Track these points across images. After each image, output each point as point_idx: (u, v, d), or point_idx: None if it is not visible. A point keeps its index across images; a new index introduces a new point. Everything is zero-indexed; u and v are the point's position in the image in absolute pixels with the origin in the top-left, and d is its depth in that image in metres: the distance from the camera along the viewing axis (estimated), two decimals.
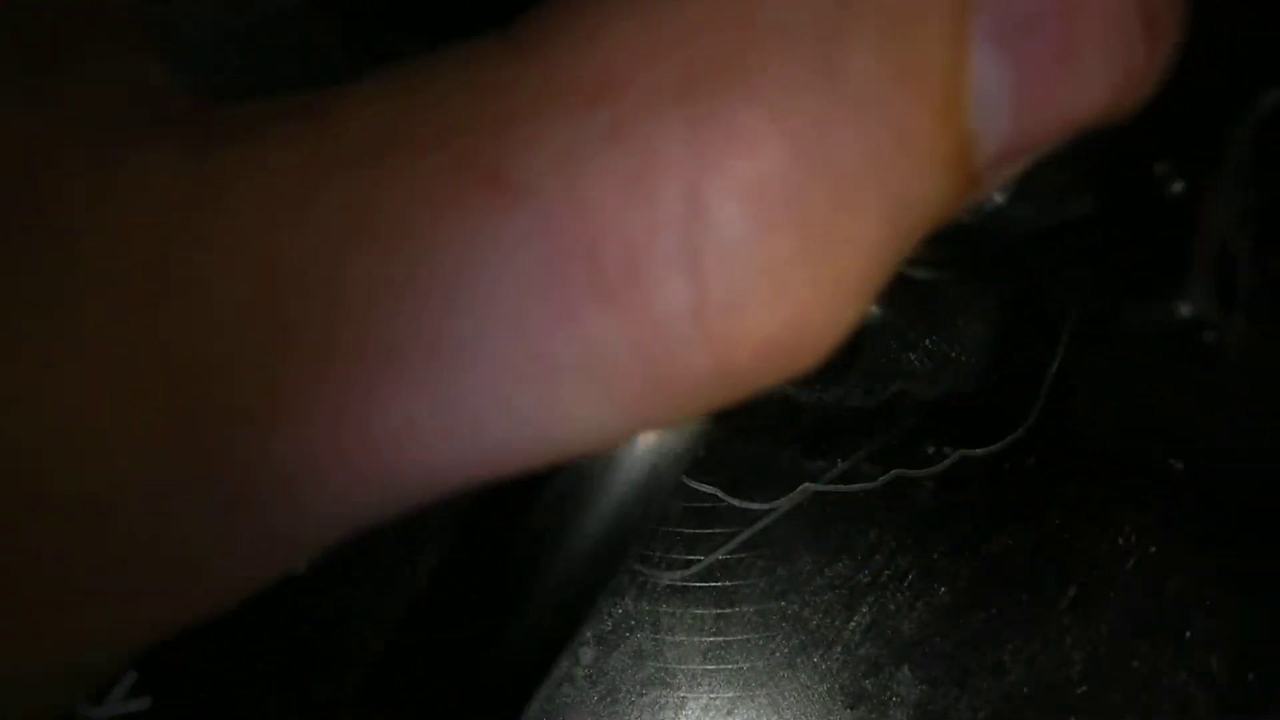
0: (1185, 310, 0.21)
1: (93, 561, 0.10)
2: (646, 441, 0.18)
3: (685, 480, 0.34)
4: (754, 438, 0.35)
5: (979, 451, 0.34)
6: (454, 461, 0.10)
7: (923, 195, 0.10)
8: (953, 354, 0.33)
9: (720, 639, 0.34)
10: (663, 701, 0.34)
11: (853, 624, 0.34)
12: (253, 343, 0.10)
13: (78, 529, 0.10)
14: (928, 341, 0.34)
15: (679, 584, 0.34)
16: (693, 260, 0.10)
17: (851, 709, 0.34)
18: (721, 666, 0.34)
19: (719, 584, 0.34)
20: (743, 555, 0.34)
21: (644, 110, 0.09)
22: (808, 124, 0.10)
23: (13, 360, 0.10)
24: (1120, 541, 0.34)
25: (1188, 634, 0.34)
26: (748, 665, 0.34)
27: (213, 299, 0.10)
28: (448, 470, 0.10)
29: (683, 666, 0.34)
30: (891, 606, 0.34)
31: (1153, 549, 0.34)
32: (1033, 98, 0.10)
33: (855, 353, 0.34)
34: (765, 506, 0.34)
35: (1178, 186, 0.21)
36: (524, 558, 0.17)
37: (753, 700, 0.34)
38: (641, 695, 0.34)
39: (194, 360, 0.10)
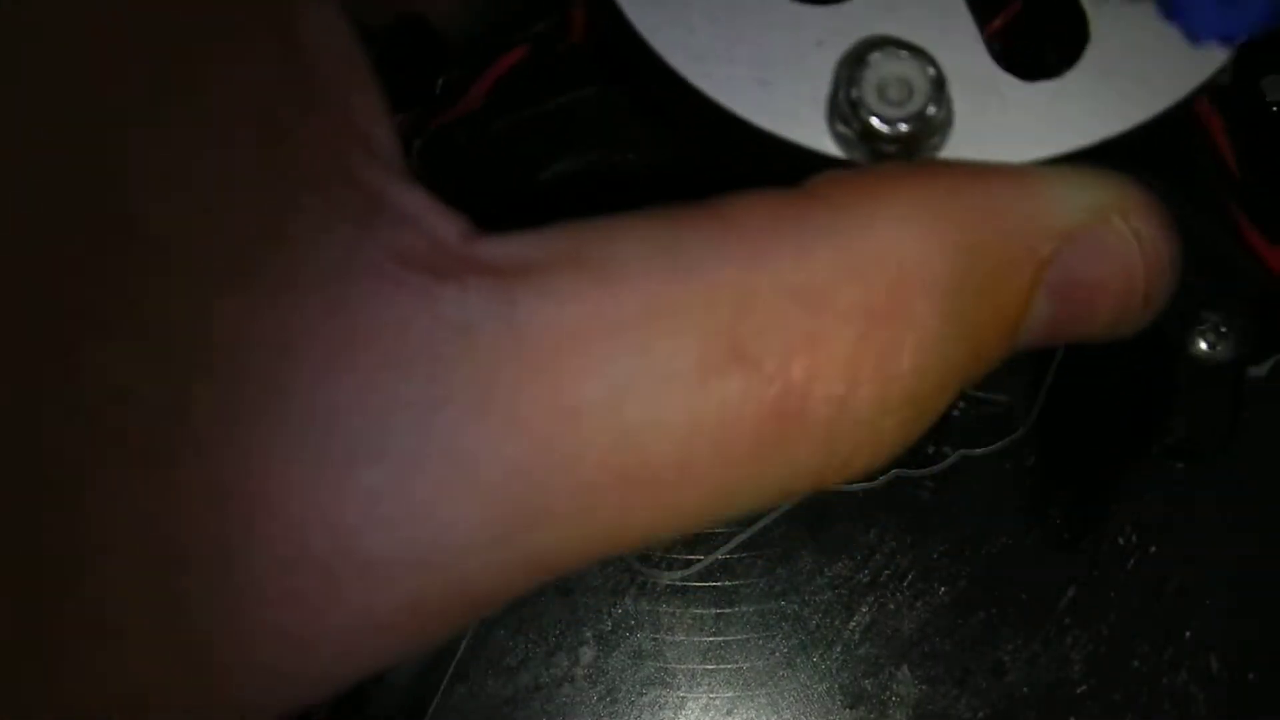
0: None
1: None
2: None
3: None
4: None
5: (979, 451, 0.34)
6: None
7: (972, 381, 0.15)
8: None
9: (720, 639, 0.34)
10: (662, 701, 0.34)
11: (853, 624, 0.34)
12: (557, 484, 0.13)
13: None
14: None
15: (679, 584, 0.34)
16: (839, 422, 0.14)
17: (851, 709, 0.34)
18: (721, 666, 0.34)
19: (719, 584, 0.34)
20: (743, 555, 0.34)
21: (839, 323, 0.14)
22: (934, 344, 0.14)
23: None
24: (1120, 541, 0.34)
25: (1188, 634, 0.34)
26: (747, 665, 0.34)
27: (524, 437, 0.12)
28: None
29: (682, 666, 0.34)
30: (891, 606, 0.34)
31: (1153, 549, 0.34)
32: (1059, 328, 0.16)
33: None
34: None
35: None
36: None
37: (752, 700, 0.34)
38: (641, 695, 0.34)
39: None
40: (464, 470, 0.12)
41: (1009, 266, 0.15)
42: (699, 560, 0.34)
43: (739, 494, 0.14)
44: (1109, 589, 0.34)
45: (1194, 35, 0.16)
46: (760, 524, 0.34)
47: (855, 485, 0.34)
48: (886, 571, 0.34)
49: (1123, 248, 0.16)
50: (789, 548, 0.34)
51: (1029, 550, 0.34)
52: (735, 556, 0.34)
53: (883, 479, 0.34)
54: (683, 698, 0.34)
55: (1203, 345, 0.23)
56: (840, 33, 0.18)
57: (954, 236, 0.14)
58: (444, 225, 0.13)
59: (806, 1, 0.18)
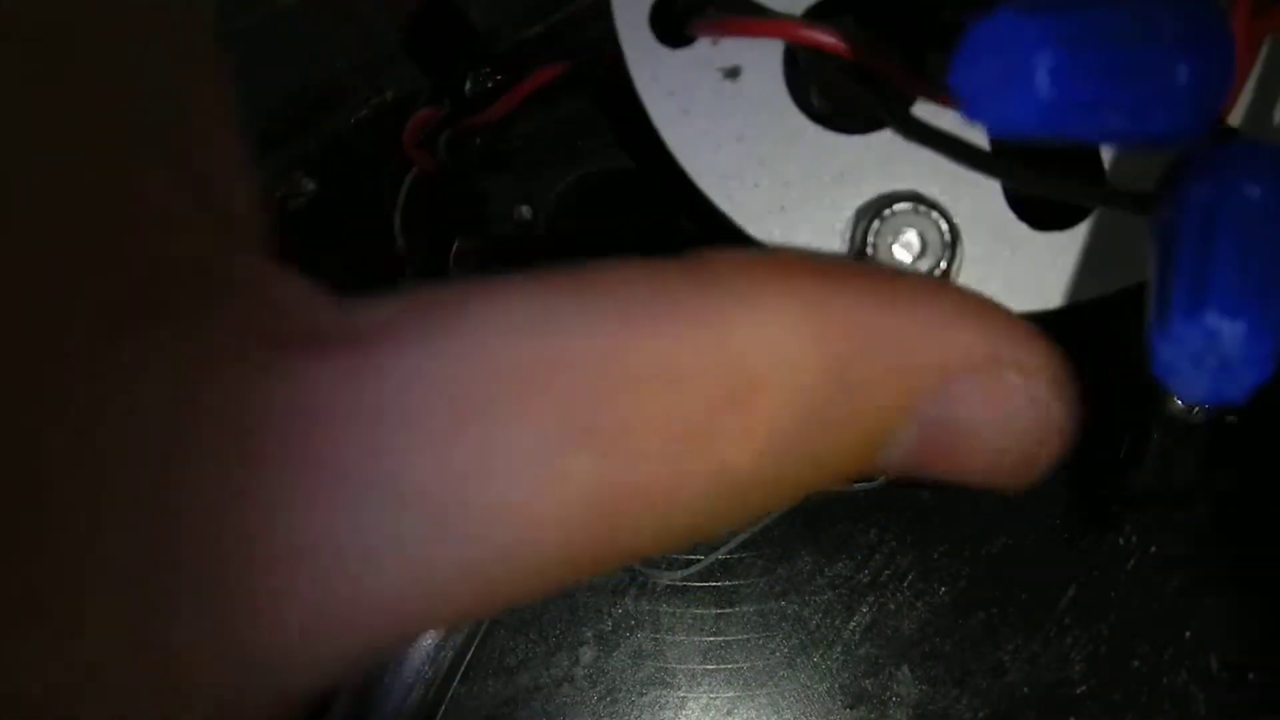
0: None
1: None
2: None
3: None
4: None
5: None
6: None
7: (813, 490, 0.15)
8: None
9: (720, 639, 0.34)
10: (663, 701, 0.34)
11: (853, 624, 0.34)
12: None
13: None
14: None
15: (679, 584, 0.34)
16: (672, 503, 0.13)
17: (851, 709, 0.34)
18: (721, 666, 0.34)
19: (719, 584, 0.34)
20: (743, 555, 0.34)
21: (687, 402, 0.13)
22: (774, 442, 0.14)
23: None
24: (1120, 541, 0.34)
25: (1188, 634, 0.34)
26: (748, 665, 0.34)
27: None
28: None
29: (683, 666, 0.34)
30: (891, 606, 0.34)
31: (1153, 549, 0.34)
32: (923, 464, 0.15)
33: None
34: None
35: None
36: None
37: (753, 700, 0.34)
38: (641, 695, 0.34)
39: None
40: (307, 566, 0.11)
41: (880, 385, 0.14)
42: (699, 560, 0.34)
43: (582, 566, 0.13)
44: (1109, 589, 0.34)
45: (1189, 399, 0.16)
46: (760, 524, 0.34)
47: (855, 485, 0.34)
48: (886, 571, 0.34)
49: (1008, 405, 0.15)
50: (789, 548, 0.34)
51: (1029, 550, 0.34)
52: (735, 556, 0.34)
53: (882, 479, 0.34)
54: (683, 698, 0.34)
55: (1179, 402, 0.24)
56: (862, 166, 0.18)
57: (831, 340, 0.14)
58: (295, 297, 0.13)
59: (834, 129, 0.18)
